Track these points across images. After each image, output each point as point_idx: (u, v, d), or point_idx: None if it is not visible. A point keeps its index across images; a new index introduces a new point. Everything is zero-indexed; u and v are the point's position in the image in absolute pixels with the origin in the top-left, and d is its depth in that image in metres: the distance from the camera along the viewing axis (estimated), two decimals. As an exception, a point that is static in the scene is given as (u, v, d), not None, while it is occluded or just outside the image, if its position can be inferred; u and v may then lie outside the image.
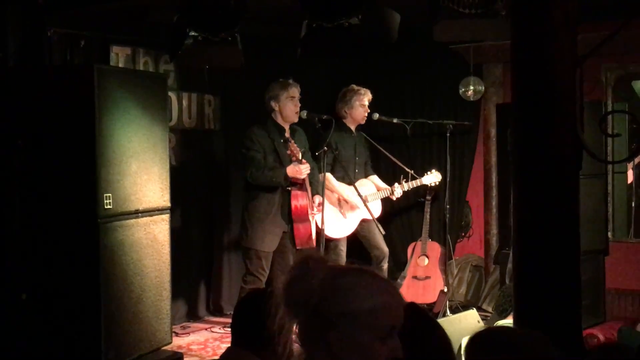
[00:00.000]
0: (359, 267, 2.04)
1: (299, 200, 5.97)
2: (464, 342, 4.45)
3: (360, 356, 1.94)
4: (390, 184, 6.83)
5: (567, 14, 3.16)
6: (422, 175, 6.90)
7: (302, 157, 5.97)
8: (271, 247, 6.00)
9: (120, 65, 6.05)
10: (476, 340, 2.20)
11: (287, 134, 6.03)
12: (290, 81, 6.05)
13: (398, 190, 6.76)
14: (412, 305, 2.57)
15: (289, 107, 6.02)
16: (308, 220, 6.02)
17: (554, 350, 2.09)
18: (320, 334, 1.94)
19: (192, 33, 4.31)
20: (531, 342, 2.14)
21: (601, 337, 5.56)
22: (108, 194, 4.47)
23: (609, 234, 6.53)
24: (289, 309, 1.97)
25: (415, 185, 6.86)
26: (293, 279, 1.97)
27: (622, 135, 6.64)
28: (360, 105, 6.68)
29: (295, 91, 6.04)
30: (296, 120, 6.11)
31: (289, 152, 5.84)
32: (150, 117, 4.84)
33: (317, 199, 6.09)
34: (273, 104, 6.04)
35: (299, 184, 5.98)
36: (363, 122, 6.77)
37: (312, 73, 6.99)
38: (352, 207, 6.58)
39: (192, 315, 6.91)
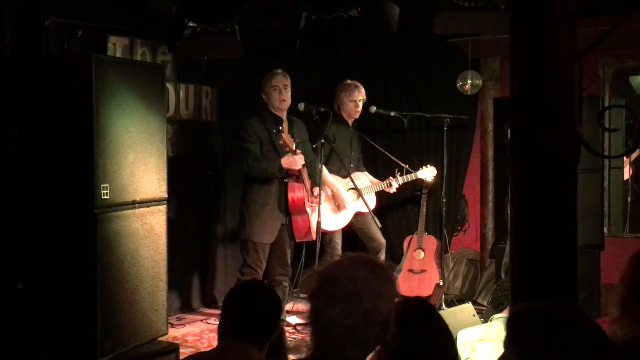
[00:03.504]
0: (362, 259, 2.10)
1: (295, 192, 5.97)
2: (460, 335, 4.47)
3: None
4: (386, 177, 6.83)
5: (567, 9, 3.15)
6: (417, 169, 6.90)
7: (301, 148, 5.96)
8: (269, 239, 6.00)
9: (118, 55, 6.03)
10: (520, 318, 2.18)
11: (284, 125, 6.02)
12: (277, 70, 6.03)
13: (393, 184, 6.76)
14: (419, 298, 2.61)
15: (273, 97, 6.00)
16: (306, 212, 6.02)
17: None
18: (371, 334, 2.00)
19: (191, 24, 4.30)
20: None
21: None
22: (105, 185, 4.46)
23: (605, 229, 6.54)
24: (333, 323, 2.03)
25: (410, 179, 6.85)
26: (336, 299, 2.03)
27: (618, 131, 6.65)
28: (350, 101, 6.65)
29: (278, 80, 6.00)
30: (284, 108, 6.07)
31: (281, 142, 5.82)
32: (148, 107, 4.84)
33: (316, 190, 6.09)
34: (263, 96, 6.06)
35: (295, 176, 5.98)
36: (356, 116, 6.75)
37: (310, 65, 6.99)
38: (345, 203, 6.57)
39: (187, 307, 6.92)
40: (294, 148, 5.85)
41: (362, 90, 6.67)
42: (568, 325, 1.96)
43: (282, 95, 6.00)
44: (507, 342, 2.01)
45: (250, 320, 2.89)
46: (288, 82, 6.03)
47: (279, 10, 6.08)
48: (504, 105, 6.82)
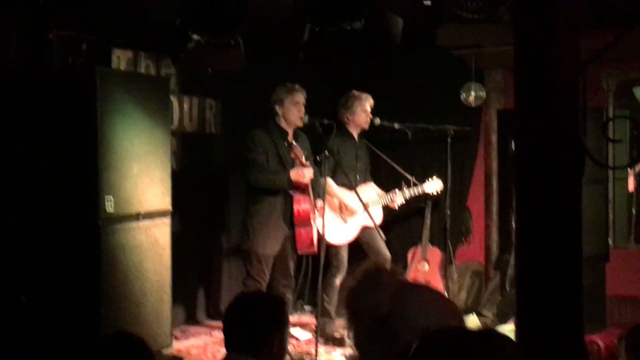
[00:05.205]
0: (429, 286, 2.07)
1: (301, 204, 5.96)
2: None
3: None
4: (391, 190, 6.81)
5: (570, 20, 3.16)
6: (423, 182, 6.87)
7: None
8: (273, 251, 5.99)
9: (122, 68, 6.05)
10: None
11: (290, 138, 6.03)
12: (296, 86, 6.04)
13: (399, 198, 6.75)
14: None
15: (292, 112, 6.02)
16: (310, 225, 6.01)
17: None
18: (379, 344, 1.94)
19: (195, 36, 4.31)
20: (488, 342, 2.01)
21: (601, 344, 5.56)
22: (109, 197, 4.47)
23: (610, 240, 6.53)
24: (354, 315, 1.99)
25: (416, 193, 6.83)
26: (364, 287, 1.99)
27: (623, 142, 6.64)
28: (362, 111, 6.66)
29: (300, 97, 6.03)
30: (300, 125, 6.10)
31: (292, 155, 5.83)
32: (152, 120, 4.85)
33: (319, 203, 6.09)
34: (277, 107, 6.04)
35: (301, 188, 5.98)
36: (366, 126, 6.75)
37: (314, 77, 6.98)
38: (353, 213, 6.56)
39: (192, 319, 6.90)
40: (303, 161, 5.86)
41: (371, 99, 6.68)
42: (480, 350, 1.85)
43: (301, 112, 6.03)
44: None
45: (247, 332, 2.87)
46: (305, 97, 6.06)
47: (282, 23, 6.09)
48: (507, 117, 6.82)
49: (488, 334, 1.93)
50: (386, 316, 1.94)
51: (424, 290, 2.05)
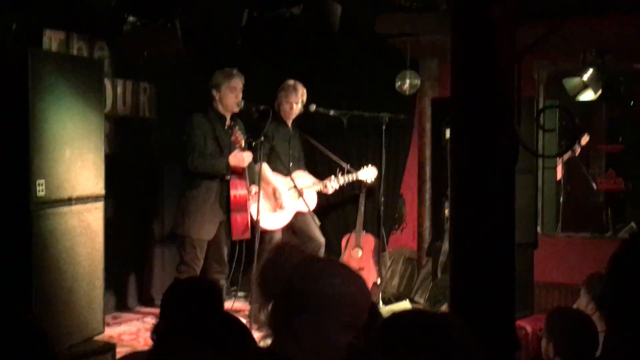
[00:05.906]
0: (332, 258, 2.11)
1: (238, 189, 5.95)
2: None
3: (321, 342, 1.96)
4: (326, 177, 6.84)
5: (507, 11, 3.21)
6: (358, 169, 6.92)
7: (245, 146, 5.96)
8: (208, 236, 5.97)
9: (54, 49, 5.91)
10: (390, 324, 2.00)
11: (227, 123, 6.01)
12: (234, 71, 6.02)
13: (333, 184, 6.77)
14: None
15: (228, 97, 6.00)
16: (246, 210, 6.01)
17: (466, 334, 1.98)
18: (287, 318, 1.95)
19: (131, 18, 4.25)
20: (446, 324, 2.04)
21: (529, 329, 5.69)
22: (41, 181, 4.38)
23: (538, 228, 6.68)
24: (262, 291, 2.00)
25: (350, 180, 6.88)
26: (268, 262, 2.00)
27: (553, 131, 6.78)
28: (286, 102, 6.62)
29: (237, 82, 6.01)
30: (236, 110, 6.08)
31: (232, 138, 5.83)
32: (85, 103, 4.76)
33: (253, 188, 6.08)
34: (214, 92, 6.02)
35: (238, 173, 5.96)
36: (292, 117, 6.71)
37: (251, 62, 6.96)
38: (286, 199, 6.57)
39: (123, 306, 6.83)
40: (243, 145, 5.85)
41: (301, 92, 6.63)
42: (441, 332, 1.88)
43: (237, 97, 6.00)
44: (379, 349, 1.87)
45: (183, 319, 2.85)
46: (243, 83, 6.03)
47: (220, 7, 6.04)
48: (441, 106, 6.90)
49: (444, 315, 1.97)
50: (287, 286, 1.96)
51: (329, 263, 2.07)
